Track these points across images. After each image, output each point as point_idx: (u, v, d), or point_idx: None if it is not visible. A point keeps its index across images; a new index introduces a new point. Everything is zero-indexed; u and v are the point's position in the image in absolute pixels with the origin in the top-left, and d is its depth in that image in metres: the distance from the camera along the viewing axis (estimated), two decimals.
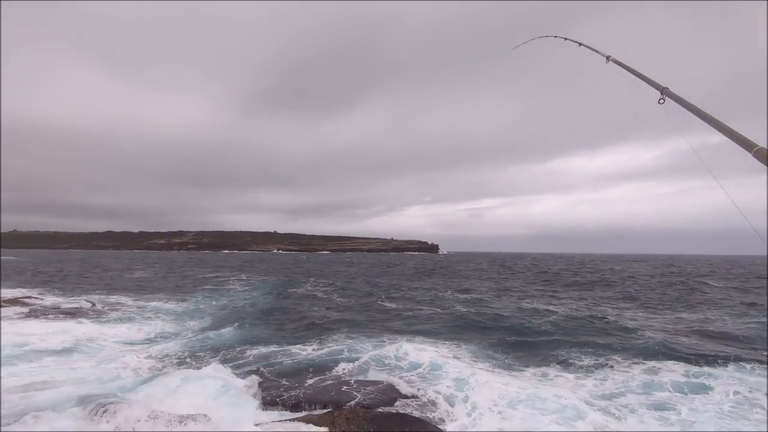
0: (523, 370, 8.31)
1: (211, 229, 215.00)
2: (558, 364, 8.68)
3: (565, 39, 6.08)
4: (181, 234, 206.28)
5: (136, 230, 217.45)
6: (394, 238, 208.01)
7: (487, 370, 8.15)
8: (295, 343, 10.37)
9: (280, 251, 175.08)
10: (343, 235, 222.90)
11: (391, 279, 31.26)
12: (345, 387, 7.00)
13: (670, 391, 6.88)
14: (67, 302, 16.62)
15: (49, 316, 13.44)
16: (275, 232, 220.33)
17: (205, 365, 8.23)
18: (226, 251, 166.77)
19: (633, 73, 3.95)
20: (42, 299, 17.25)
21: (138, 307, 15.93)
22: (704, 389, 6.92)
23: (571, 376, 7.89)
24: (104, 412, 5.42)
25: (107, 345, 10.14)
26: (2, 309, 13.83)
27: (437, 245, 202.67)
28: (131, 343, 10.42)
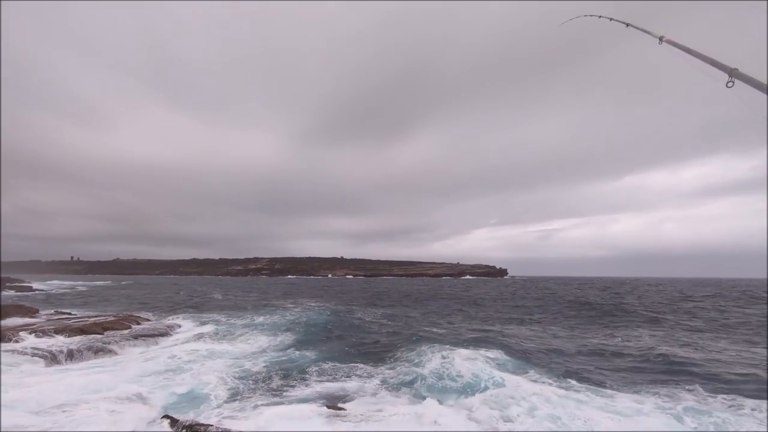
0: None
1: (282, 255, 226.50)
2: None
3: (611, 19, 5.69)
4: (255, 260, 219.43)
5: (216, 257, 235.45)
6: (460, 263, 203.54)
7: None
8: (365, 363, 11.11)
9: (348, 276, 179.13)
10: (407, 259, 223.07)
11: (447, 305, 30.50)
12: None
13: None
14: (164, 321, 18.43)
15: (148, 336, 15.00)
16: (342, 257, 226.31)
17: (285, 386, 9.04)
18: (292, 276, 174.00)
19: (693, 54, 3.37)
20: (145, 320, 19.28)
21: (211, 326, 17.22)
22: None
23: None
24: (185, 428, 5.89)
25: (196, 364, 11.08)
26: (111, 330, 15.70)
27: (505, 269, 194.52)
28: (211, 356, 11.29)
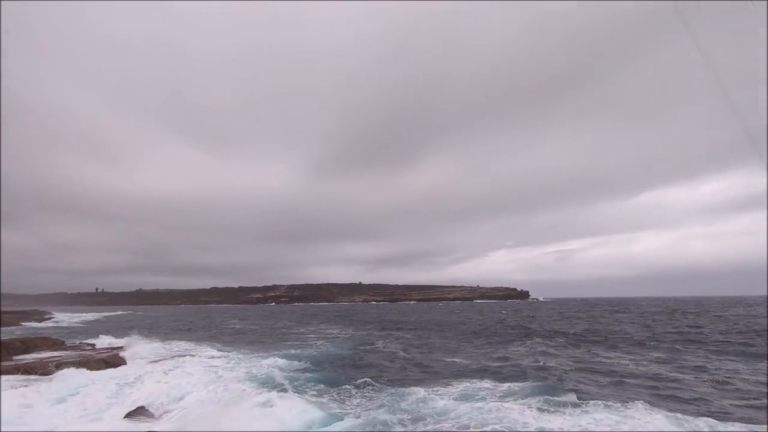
0: None
1: (300, 282, 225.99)
2: None
3: None
4: (274, 288, 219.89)
5: (236, 285, 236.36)
6: (480, 286, 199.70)
7: None
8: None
9: (367, 302, 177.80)
10: (424, 283, 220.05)
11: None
12: None
13: None
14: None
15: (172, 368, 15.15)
16: (360, 283, 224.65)
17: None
18: (311, 303, 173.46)
19: None
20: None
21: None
22: None
23: None
24: None
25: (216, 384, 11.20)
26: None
27: (527, 291, 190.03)
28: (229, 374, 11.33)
